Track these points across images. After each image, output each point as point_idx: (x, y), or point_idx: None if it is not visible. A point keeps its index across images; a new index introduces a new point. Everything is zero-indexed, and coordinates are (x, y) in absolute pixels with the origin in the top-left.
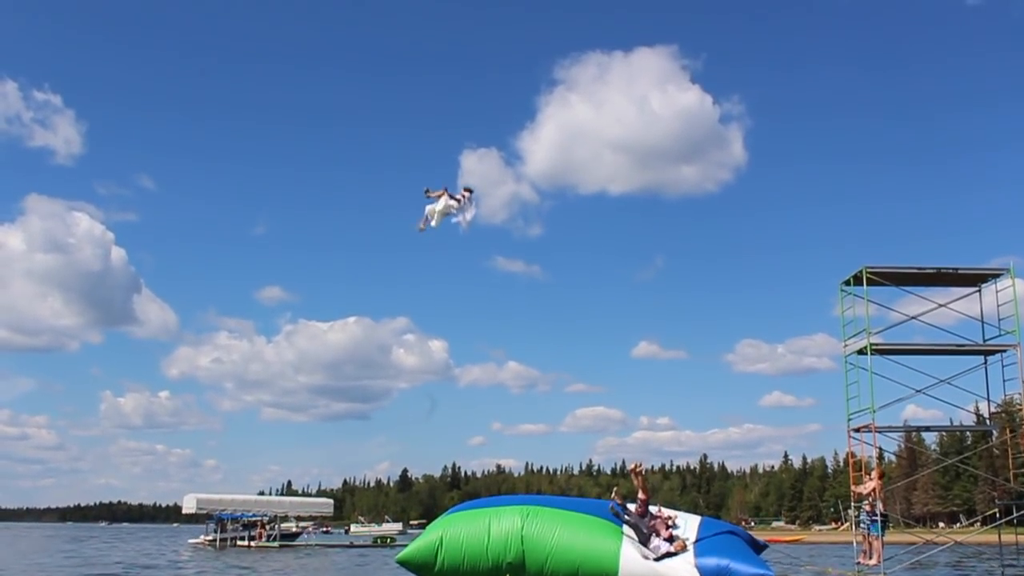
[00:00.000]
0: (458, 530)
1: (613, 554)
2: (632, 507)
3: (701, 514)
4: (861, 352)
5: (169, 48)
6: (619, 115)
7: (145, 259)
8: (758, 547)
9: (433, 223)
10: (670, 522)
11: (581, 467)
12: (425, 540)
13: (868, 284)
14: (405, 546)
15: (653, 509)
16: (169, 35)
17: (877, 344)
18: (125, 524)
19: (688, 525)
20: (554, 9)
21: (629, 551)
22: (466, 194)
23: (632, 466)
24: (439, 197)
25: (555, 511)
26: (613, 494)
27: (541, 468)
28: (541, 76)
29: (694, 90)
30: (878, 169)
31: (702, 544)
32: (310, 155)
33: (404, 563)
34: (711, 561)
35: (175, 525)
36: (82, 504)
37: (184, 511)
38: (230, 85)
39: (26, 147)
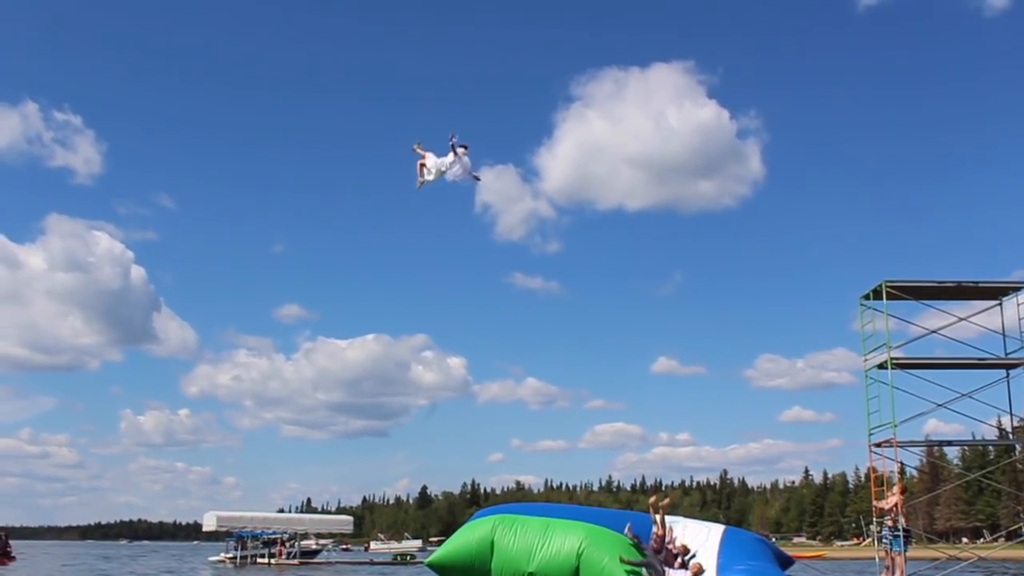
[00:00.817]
0: (488, 535)
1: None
2: (654, 528)
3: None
4: (881, 366)
5: (187, 68)
6: (636, 131)
7: (164, 277)
8: (785, 561)
9: (430, 178)
10: (676, 550)
11: (601, 483)
12: (456, 544)
13: (888, 298)
14: (424, 563)
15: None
16: (187, 56)
17: (898, 358)
18: (145, 542)
19: (712, 535)
20: (570, 26)
21: None
22: (461, 151)
23: (652, 500)
24: (423, 160)
25: (583, 525)
26: (626, 531)
27: (561, 484)
28: (558, 92)
29: (711, 105)
30: (897, 182)
31: (724, 561)
32: (327, 173)
33: (435, 566)
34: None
35: (195, 543)
36: (103, 522)
37: (204, 528)
38: (248, 105)
39: (47, 167)
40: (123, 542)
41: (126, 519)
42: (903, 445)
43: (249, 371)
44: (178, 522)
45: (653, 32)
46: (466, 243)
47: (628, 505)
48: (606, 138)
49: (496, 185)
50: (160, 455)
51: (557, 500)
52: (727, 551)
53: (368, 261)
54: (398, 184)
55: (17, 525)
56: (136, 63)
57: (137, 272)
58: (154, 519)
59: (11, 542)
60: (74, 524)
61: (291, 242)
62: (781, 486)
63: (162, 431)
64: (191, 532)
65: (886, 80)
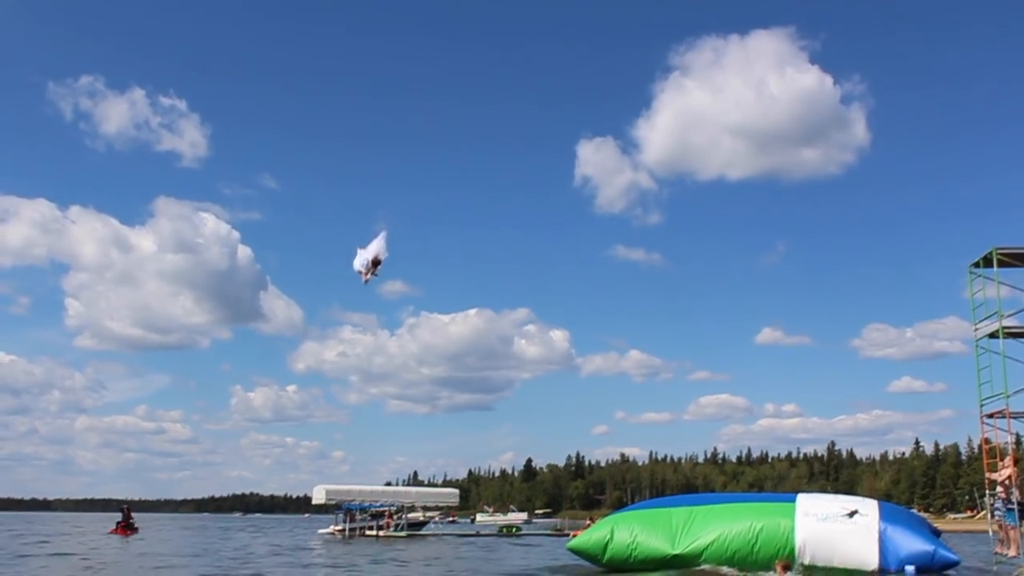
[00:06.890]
0: (627, 526)
1: (788, 527)
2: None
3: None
4: (993, 336)
5: (287, 49)
6: (737, 99)
7: (270, 257)
8: (934, 532)
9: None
10: None
11: (706, 455)
12: (595, 532)
13: (999, 265)
14: (530, 535)
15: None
16: (286, 41)
17: (1010, 327)
18: (258, 515)
19: (868, 508)
20: None
21: (802, 521)
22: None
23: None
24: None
25: (720, 506)
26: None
27: (665, 456)
28: (656, 63)
29: (813, 71)
30: (1007, 142)
31: (886, 513)
32: (429, 147)
33: (574, 551)
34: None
35: (306, 515)
36: (216, 495)
37: (314, 502)
38: (347, 82)
39: (154, 152)
40: (236, 515)
41: (239, 492)
42: (1017, 416)
43: (354, 347)
44: (289, 495)
45: None
46: (567, 216)
47: (734, 477)
48: (706, 108)
49: (595, 158)
50: (270, 430)
51: (662, 472)
52: (890, 524)
53: (470, 236)
54: (500, 159)
55: (136, 499)
56: (237, 47)
57: (243, 252)
58: (265, 492)
59: (133, 515)
60: (189, 498)
61: (392, 218)
62: (891, 457)
63: (271, 407)
64: (301, 505)
65: (997, 33)
